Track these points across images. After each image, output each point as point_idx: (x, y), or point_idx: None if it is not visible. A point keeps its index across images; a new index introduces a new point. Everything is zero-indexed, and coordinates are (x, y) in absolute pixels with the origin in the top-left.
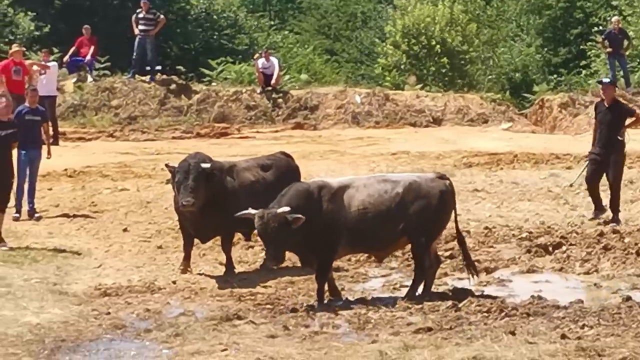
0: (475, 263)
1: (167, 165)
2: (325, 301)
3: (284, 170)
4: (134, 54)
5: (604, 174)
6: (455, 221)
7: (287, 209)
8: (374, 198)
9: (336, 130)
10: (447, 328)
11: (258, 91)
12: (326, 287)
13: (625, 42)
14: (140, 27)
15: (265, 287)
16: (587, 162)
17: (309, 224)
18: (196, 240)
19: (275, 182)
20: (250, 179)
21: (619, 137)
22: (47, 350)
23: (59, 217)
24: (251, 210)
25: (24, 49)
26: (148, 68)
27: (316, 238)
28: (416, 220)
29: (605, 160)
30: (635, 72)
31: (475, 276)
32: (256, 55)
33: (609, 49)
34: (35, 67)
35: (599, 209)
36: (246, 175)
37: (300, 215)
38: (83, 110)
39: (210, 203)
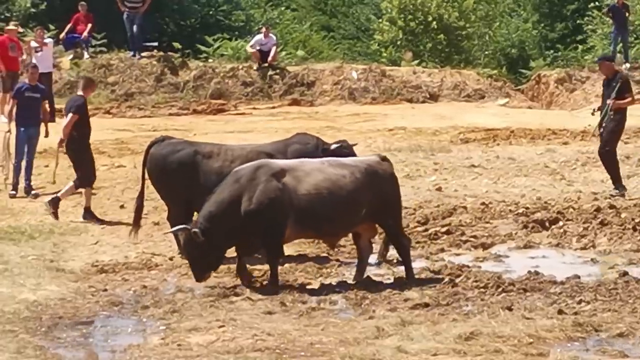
0: (472, 239)
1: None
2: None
3: None
4: (128, 32)
5: None
6: None
7: (182, 226)
8: (330, 182)
9: (333, 106)
10: (444, 304)
11: (255, 67)
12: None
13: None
14: (128, 4)
15: (261, 263)
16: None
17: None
18: None
19: None
20: None
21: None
22: (44, 327)
23: (56, 194)
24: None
25: (19, 27)
26: (146, 44)
27: (254, 220)
28: (380, 205)
29: None
30: (632, 47)
31: (381, 262)
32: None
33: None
34: (33, 44)
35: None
36: None
37: (184, 226)
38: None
39: None
